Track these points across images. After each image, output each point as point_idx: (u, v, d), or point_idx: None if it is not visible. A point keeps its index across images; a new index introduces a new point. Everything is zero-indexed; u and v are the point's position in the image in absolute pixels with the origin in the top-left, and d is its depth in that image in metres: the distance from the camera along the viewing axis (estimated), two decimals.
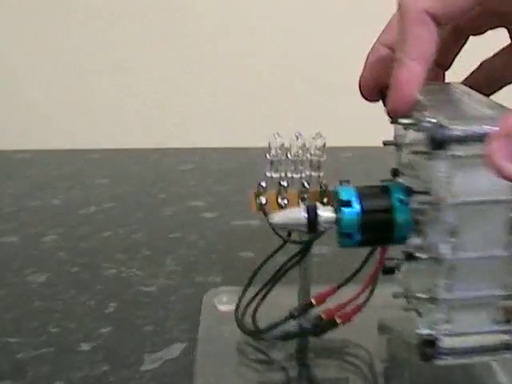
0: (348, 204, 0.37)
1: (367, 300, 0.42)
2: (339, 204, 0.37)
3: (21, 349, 0.45)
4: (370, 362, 0.44)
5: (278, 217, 0.38)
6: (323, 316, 0.42)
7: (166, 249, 0.61)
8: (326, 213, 0.38)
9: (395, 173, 0.41)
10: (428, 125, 0.34)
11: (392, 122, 0.38)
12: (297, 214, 0.38)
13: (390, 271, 0.41)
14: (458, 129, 0.33)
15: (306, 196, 0.43)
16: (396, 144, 0.39)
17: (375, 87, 0.40)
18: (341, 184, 0.39)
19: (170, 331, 0.47)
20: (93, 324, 0.48)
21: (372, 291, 0.42)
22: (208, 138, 0.95)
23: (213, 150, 0.94)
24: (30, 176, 0.81)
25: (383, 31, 0.40)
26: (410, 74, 0.35)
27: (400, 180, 0.40)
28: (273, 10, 0.97)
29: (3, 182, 0.79)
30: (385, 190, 0.38)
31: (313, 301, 0.43)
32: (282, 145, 0.43)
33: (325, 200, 0.42)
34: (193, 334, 0.46)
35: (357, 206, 0.37)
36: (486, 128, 0.32)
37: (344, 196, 0.37)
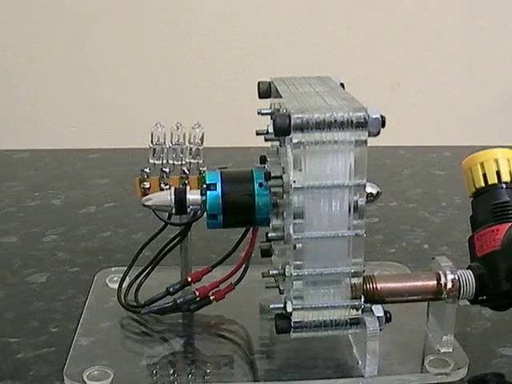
0: (212, 187, 0.40)
1: (240, 279, 0.44)
2: (205, 187, 0.40)
3: (21, 349, 0.45)
4: (244, 336, 0.46)
5: (150, 199, 0.42)
6: (197, 293, 0.45)
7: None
8: (193, 195, 0.41)
9: (263, 160, 0.43)
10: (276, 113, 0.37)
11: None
12: (166, 196, 0.41)
13: (266, 253, 0.43)
14: (299, 117, 0.35)
15: (187, 182, 0.45)
16: (267, 133, 0.41)
17: None
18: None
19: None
20: None
21: (245, 271, 0.44)
22: (208, 138, 0.95)
23: (213, 150, 0.94)
24: (30, 176, 0.81)
25: None
26: None
27: (266, 166, 0.42)
28: (273, 9, 0.97)
29: (3, 181, 0.79)
30: (249, 175, 0.41)
31: (189, 279, 0.45)
32: (164, 134, 0.46)
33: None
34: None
35: (219, 189, 0.40)
36: (326, 116, 0.35)
37: (209, 179, 0.40)
